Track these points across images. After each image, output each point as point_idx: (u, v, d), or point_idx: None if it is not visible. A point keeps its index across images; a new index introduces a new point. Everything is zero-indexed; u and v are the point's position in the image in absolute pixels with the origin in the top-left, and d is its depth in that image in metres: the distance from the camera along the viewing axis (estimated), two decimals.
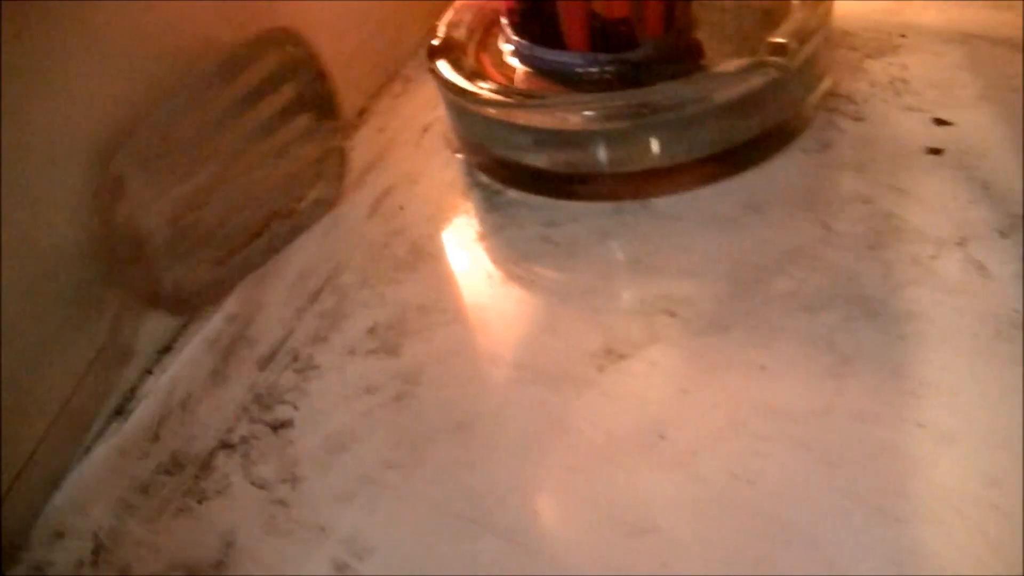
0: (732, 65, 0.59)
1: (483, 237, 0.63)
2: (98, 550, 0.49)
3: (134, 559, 0.48)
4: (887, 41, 0.73)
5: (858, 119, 0.65)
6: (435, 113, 0.71)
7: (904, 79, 0.68)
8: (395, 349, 0.56)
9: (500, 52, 0.70)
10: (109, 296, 0.56)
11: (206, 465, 0.53)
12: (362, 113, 0.78)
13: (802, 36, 0.60)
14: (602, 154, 0.62)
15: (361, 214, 0.67)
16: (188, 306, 0.62)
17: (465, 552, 0.46)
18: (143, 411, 0.56)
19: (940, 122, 0.65)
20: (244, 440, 0.53)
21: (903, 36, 0.73)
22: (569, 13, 0.63)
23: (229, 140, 0.61)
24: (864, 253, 0.56)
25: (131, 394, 0.57)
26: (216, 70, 0.59)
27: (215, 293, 0.63)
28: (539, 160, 0.64)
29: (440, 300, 0.58)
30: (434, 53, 0.67)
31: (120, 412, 0.56)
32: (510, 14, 0.67)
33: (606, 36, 0.63)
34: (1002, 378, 0.48)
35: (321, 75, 0.65)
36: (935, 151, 0.62)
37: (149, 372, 0.58)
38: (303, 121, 0.65)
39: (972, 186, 0.59)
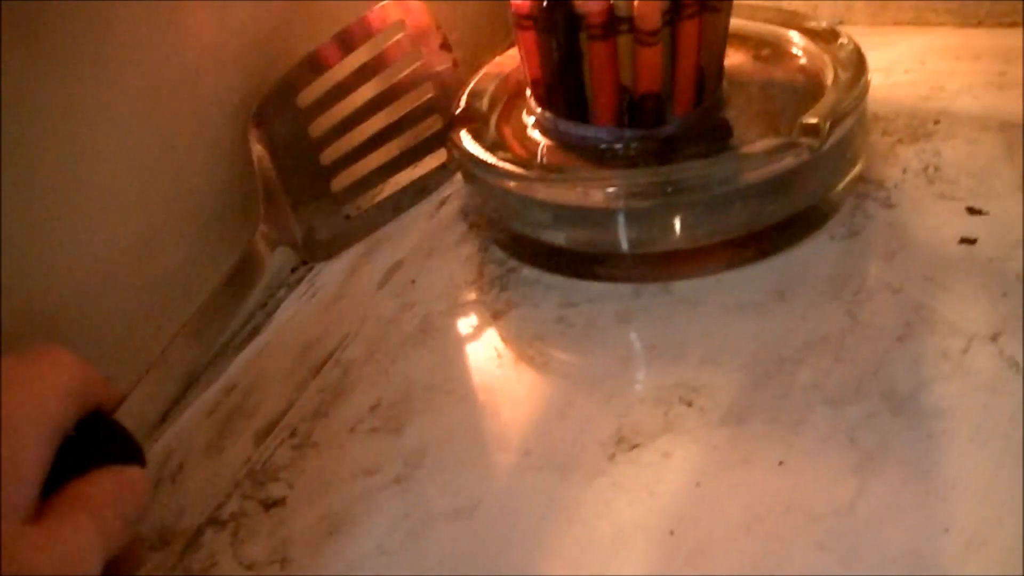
0: (762, 145, 0.58)
1: (496, 315, 0.61)
2: None
3: None
4: (921, 127, 0.72)
5: (889, 206, 0.63)
6: (453, 187, 0.69)
7: (937, 166, 0.66)
8: (398, 429, 0.54)
9: (523, 125, 0.68)
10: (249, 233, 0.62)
11: (193, 542, 0.51)
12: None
13: (835, 118, 0.58)
14: (623, 233, 0.61)
15: (371, 286, 0.65)
16: (317, 251, 0.69)
17: None
18: None
19: (973, 211, 0.63)
20: (234, 517, 0.51)
21: (937, 122, 0.72)
22: (598, 86, 0.62)
23: (357, 99, 0.68)
24: (892, 345, 0.54)
25: None
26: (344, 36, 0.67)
27: (342, 243, 0.70)
28: (557, 238, 0.63)
29: (448, 379, 0.56)
30: (455, 123, 0.66)
31: None
32: (535, 86, 0.66)
33: (634, 111, 0.62)
34: None
35: (445, 45, 0.70)
36: (968, 241, 0.60)
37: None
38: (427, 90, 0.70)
39: (1007, 278, 0.57)
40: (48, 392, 0.36)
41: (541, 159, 0.65)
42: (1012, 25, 0.82)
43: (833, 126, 0.58)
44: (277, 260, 0.66)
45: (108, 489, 0.37)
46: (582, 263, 0.63)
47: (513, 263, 0.65)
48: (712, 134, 0.63)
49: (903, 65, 0.79)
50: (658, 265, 0.61)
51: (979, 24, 0.84)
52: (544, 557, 0.47)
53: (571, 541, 0.47)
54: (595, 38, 0.60)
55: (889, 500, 0.46)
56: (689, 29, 0.60)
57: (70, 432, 0.37)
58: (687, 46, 0.60)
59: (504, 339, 0.60)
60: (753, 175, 0.58)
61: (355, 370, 0.59)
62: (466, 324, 0.62)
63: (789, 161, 0.58)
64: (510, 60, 0.71)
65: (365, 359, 0.60)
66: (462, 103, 0.68)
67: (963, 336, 0.54)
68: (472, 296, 0.63)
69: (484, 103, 0.68)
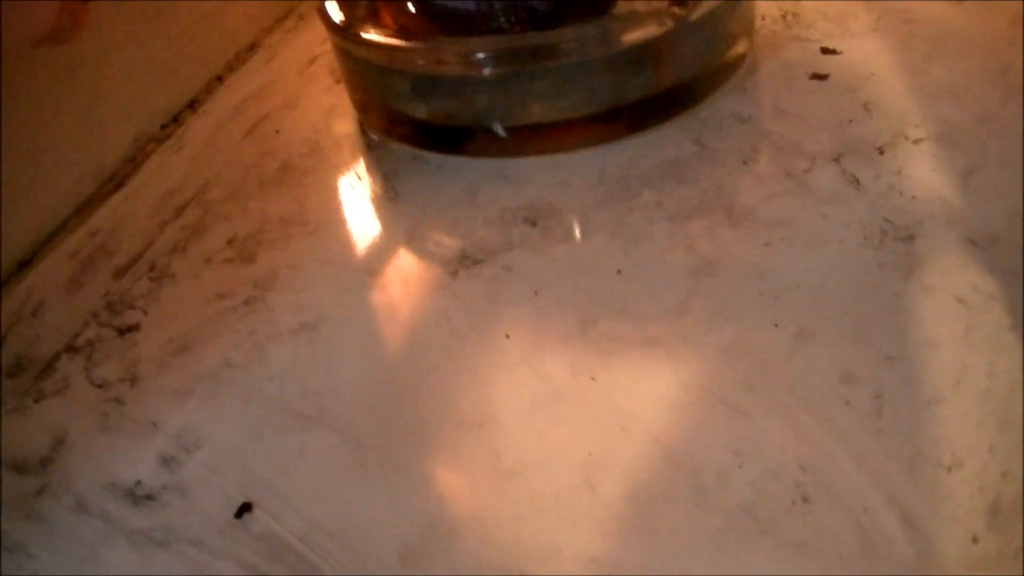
0: (628, 11, 0.56)
1: (353, 155, 0.62)
2: None
3: None
4: None
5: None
6: (324, 46, 0.70)
7: (795, 12, 0.68)
8: (251, 258, 0.55)
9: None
10: None
11: (48, 367, 0.51)
12: (252, 47, 0.76)
13: None
14: (486, 105, 0.59)
15: (237, 137, 0.65)
16: None
17: (294, 443, 0.45)
18: None
19: (827, 51, 0.64)
20: (89, 343, 0.52)
21: None
22: None
23: None
24: (737, 167, 0.55)
25: None
26: None
27: None
28: (419, 111, 0.61)
29: (301, 213, 0.57)
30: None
31: None
32: None
33: None
34: (864, 281, 0.47)
35: None
36: (819, 76, 0.62)
37: (6, 283, 0.56)
38: None
39: (854, 107, 0.59)
40: None
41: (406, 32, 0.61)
42: None
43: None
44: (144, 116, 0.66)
45: None
46: (446, 138, 0.62)
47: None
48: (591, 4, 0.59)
49: None
50: (523, 140, 0.60)
51: None
52: (381, 363, 0.48)
53: (408, 347, 0.49)
54: None
55: (722, 300, 0.48)
56: None
57: None
58: None
59: (359, 176, 0.61)
60: (620, 43, 0.56)
61: (215, 209, 0.59)
62: (323, 165, 0.62)
63: (653, 30, 0.56)
64: None
65: (224, 199, 0.60)
66: None
67: (807, 157, 0.55)
68: (332, 141, 0.64)
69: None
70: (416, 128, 0.62)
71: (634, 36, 0.56)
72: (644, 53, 0.57)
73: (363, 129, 0.64)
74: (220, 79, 0.72)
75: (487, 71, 0.56)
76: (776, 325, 0.46)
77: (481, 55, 0.56)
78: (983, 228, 0.49)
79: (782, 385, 0.43)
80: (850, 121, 0.57)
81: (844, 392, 0.42)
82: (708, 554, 0.38)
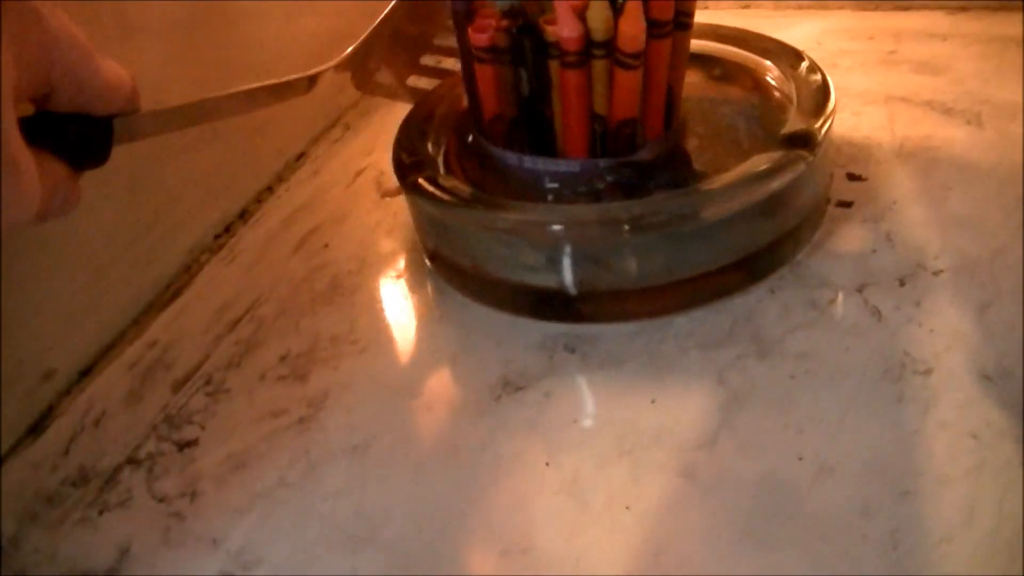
0: (758, 161, 0.56)
1: (401, 275, 0.65)
2: None
3: (31, 564, 0.49)
4: None
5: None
6: (369, 159, 0.73)
7: None
8: (304, 376, 0.58)
9: (473, 162, 0.64)
10: None
11: (111, 479, 0.54)
12: (300, 157, 0.80)
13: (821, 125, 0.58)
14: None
15: (287, 251, 0.69)
16: None
17: (345, 564, 0.47)
18: (57, 428, 0.57)
19: (853, 177, 0.67)
20: (150, 457, 0.55)
21: None
22: (571, 117, 0.58)
23: None
24: (764, 296, 0.57)
25: (48, 412, 0.58)
26: None
27: None
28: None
29: (352, 331, 0.60)
30: (406, 171, 0.61)
31: (35, 429, 0.57)
32: (493, 123, 0.61)
33: (606, 140, 0.59)
34: (883, 415, 0.50)
35: None
36: (845, 204, 0.64)
37: (67, 392, 0.59)
38: None
39: (877, 237, 0.61)
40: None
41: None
42: (905, 9, 0.87)
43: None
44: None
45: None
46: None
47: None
48: (684, 159, 0.61)
49: (802, 45, 0.81)
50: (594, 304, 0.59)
51: (876, 8, 0.89)
52: (429, 486, 0.51)
53: (457, 471, 0.52)
54: (569, 66, 0.55)
55: (750, 433, 0.50)
56: (662, 49, 0.56)
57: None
58: (659, 67, 0.57)
59: (404, 296, 0.64)
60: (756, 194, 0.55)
61: (267, 325, 0.62)
62: (371, 283, 0.65)
63: (787, 176, 0.55)
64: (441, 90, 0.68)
65: (277, 315, 0.64)
66: (403, 144, 0.64)
67: (832, 288, 0.58)
68: (381, 259, 0.67)
69: (427, 143, 0.64)
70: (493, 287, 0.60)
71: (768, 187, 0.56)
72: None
73: (413, 249, 0.67)
74: (270, 190, 0.75)
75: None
76: (800, 458, 0.48)
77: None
78: (996, 363, 0.51)
79: (804, 518, 0.45)
80: (874, 251, 0.60)
81: (861, 526, 0.45)
82: None
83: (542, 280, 0.57)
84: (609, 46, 0.54)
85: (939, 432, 0.49)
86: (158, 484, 0.53)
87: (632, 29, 0.53)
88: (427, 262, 0.65)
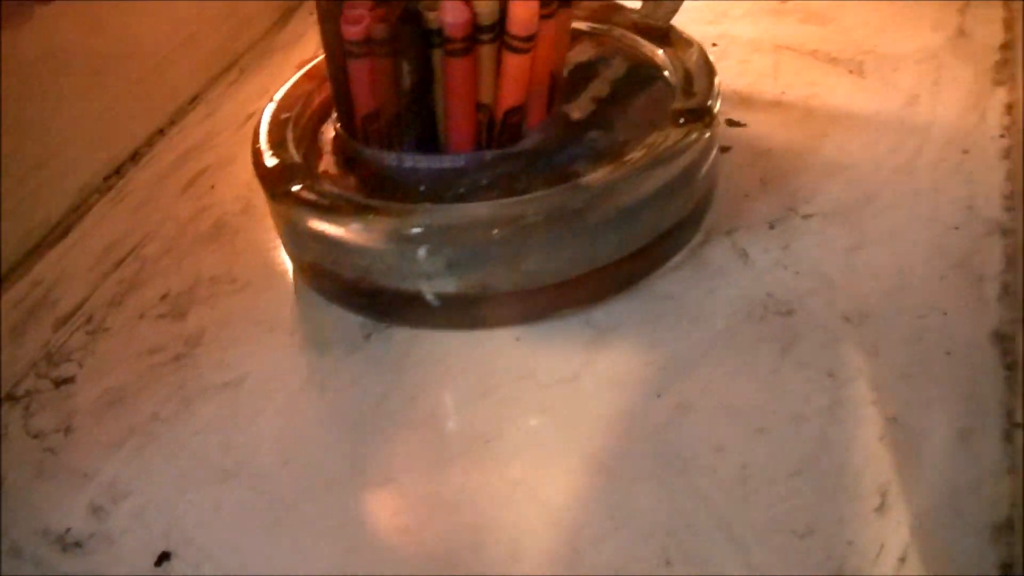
0: (658, 139, 0.54)
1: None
2: None
3: None
4: None
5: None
6: (262, 102, 0.73)
7: None
8: (182, 315, 0.59)
9: (340, 165, 0.60)
10: None
11: None
12: (194, 99, 0.81)
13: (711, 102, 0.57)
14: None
15: (175, 192, 0.70)
16: None
17: (211, 496, 0.48)
18: None
19: (733, 123, 0.69)
20: (28, 394, 0.55)
21: (715, 45, 0.78)
22: (457, 109, 0.55)
23: None
24: None
25: None
26: None
27: None
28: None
29: (231, 271, 0.60)
30: (272, 178, 0.57)
31: None
32: (368, 120, 0.56)
33: (493, 129, 0.56)
34: (743, 355, 0.52)
35: None
36: (724, 148, 0.66)
37: None
38: None
39: (751, 181, 0.63)
40: None
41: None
42: None
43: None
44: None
45: None
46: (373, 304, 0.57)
47: None
48: (574, 141, 0.58)
49: None
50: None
51: None
52: (298, 422, 0.53)
53: (323, 407, 0.53)
54: (455, 54, 0.52)
55: (612, 371, 0.52)
56: (548, 30, 0.53)
57: None
58: (545, 49, 0.54)
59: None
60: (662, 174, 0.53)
61: (151, 265, 0.63)
62: (254, 224, 0.66)
63: (693, 151, 0.54)
64: (297, 87, 0.64)
65: (161, 255, 0.64)
66: (264, 144, 0.59)
67: (703, 231, 0.59)
68: (263, 201, 0.65)
69: (291, 148, 0.58)
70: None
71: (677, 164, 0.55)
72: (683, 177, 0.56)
73: None
74: (163, 132, 0.76)
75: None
76: (659, 395, 0.50)
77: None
78: (857, 306, 0.53)
79: (659, 454, 0.47)
80: (746, 195, 0.62)
81: (714, 461, 0.46)
82: None
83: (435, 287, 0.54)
84: (496, 29, 0.51)
85: (796, 372, 0.50)
86: (34, 420, 0.54)
87: (525, 10, 0.50)
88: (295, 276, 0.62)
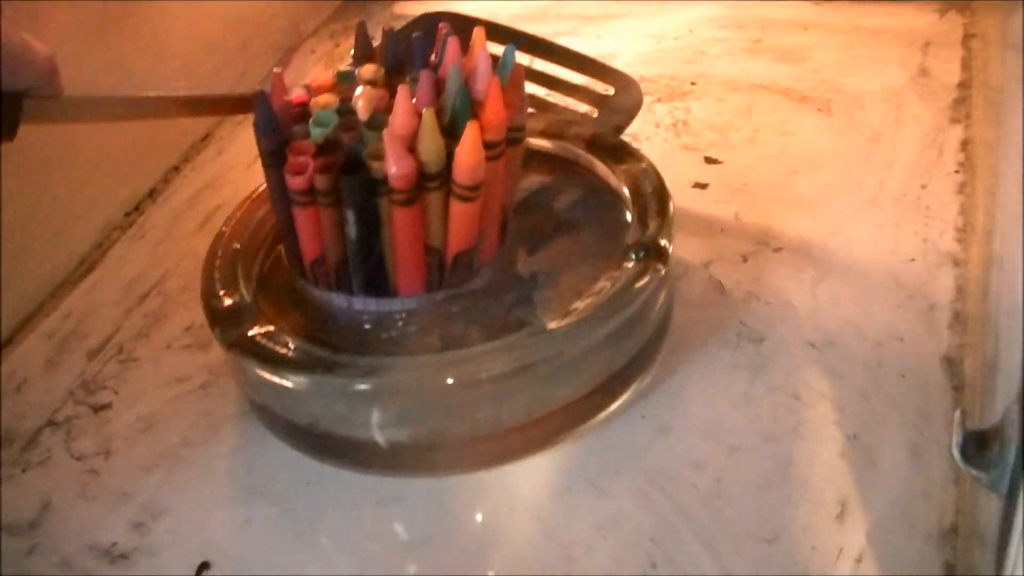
0: (616, 276, 0.53)
1: None
2: None
3: None
4: (679, 88, 0.83)
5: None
6: None
7: (686, 121, 0.78)
8: (205, 345, 0.64)
9: (293, 307, 0.58)
10: None
11: (32, 440, 0.59)
12: (205, 138, 0.86)
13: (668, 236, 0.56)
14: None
15: (192, 228, 0.75)
16: None
17: (240, 515, 0.53)
18: None
19: (710, 160, 0.74)
20: (68, 420, 0.60)
21: (694, 84, 0.83)
22: (406, 254, 0.53)
23: None
24: None
25: None
26: None
27: None
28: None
29: None
30: (226, 320, 0.55)
31: None
32: (316, 265, 0.55)
33: (443, 272, 0.55)
34: (719, 380, 0.57)
35: None
36: (700, 185, 0.71)
37: None
38: None
39: (726, 216, 0.68)
40: None
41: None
42: None
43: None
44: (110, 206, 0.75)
45: None
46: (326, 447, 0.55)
47: None
48: (527, 279, 0.57)
49: (673, 33, 0.89)
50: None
51: None
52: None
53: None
54: (401, 203, 0.50)
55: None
56: (496, 169, 0.52)
57: None
58: (493, 188, 0.53)
59: None
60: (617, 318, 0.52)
61: (173, 299, 0.69)
62: None
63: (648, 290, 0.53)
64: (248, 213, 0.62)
65: (182, 289, 0.69)
66: (215, 282, 0.57)
67: (682, 264, 0.64)
68: None
69: (241, 286, 0.57)
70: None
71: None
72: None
73: None
74: (177, 169, 0.82)
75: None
76: (643, 417, 0.55)
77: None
78: (822, 333, 0.58)
79: (643, 471, 0.52)
80: (722, 230, 0.67)
81: (692, 477, 0.51)
82: None
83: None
84: (443, 175, 0.50)
85: (766, 395, 0.55)
86: (75, 444, 0.59)
87: (470, 159, 0.49)
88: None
